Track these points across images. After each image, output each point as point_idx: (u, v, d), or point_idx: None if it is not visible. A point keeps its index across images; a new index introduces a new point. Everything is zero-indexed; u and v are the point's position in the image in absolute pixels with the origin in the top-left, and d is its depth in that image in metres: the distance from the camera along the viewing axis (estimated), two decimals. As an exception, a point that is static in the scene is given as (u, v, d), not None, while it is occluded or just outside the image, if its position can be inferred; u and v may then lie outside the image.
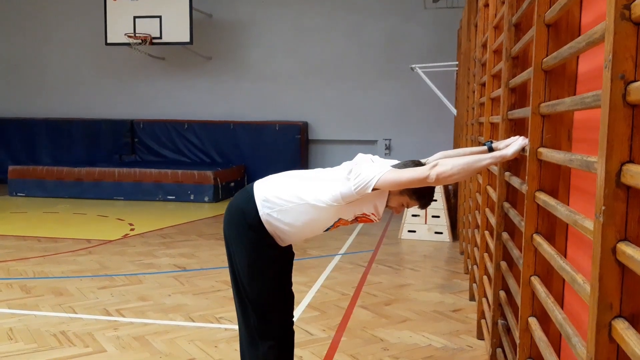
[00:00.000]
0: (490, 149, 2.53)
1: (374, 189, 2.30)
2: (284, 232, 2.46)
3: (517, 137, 2.40)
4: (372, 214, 2.48)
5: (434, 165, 2.25)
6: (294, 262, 2.71)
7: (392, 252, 6.51)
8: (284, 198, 2.43)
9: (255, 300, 2.51)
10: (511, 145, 2.33)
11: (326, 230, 2.54)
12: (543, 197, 1.85)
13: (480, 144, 3.63)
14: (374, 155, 2.58)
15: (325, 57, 11.71)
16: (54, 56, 12.77)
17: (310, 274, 5.43)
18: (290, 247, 2.63)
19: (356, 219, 2.51)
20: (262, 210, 2.44)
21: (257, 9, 11.89)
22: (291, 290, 2.67)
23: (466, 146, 5.40)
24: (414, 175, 2.28)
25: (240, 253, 2.50)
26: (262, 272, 2.50)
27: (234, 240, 2.53)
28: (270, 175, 2.58)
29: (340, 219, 2.47)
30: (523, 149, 2.27)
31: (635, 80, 1.07)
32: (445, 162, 2.27)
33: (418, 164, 2.44)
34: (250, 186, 2.55)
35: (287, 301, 2.63)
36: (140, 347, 3.66)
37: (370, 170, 2.31)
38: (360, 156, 2.51)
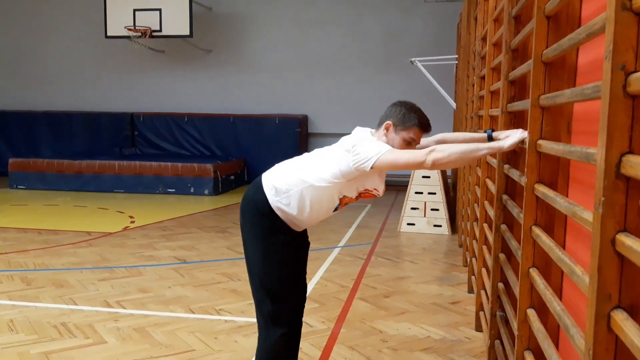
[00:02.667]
0: (490, 138, 2.53)
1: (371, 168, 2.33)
2: (295, 217, 2.49)
3: (517, 129, 2.40)
4: (375, 189, 2.52)
5: (431, 151, 2.26)
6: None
7: (391, 245, 6.52)
8: (288, 184, 2.46)
9: (269, 287, 2.52)
10: (509, 137, 2.34)
11: (335, 210, 2.56)
12: (542, 189, 1.85)
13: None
14: (372, 128, 2.61)
15: (325, 51, 11.69)
16: (54, 49, 12.74)
17: (309, 266, 5.34)
18: (305, 235, 2.65)
19: (360, 195, 2.54)
20: (272, 199, 2.47)
21: (256, 2, 11.85)
22: (304, 280, 2.69)
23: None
24: (411, 158, 2.30)
25: (254, 241, 2.53)
26: (276, 259, 2.51)
27: (248, 230, 2.57)
28: (276, 165, 2.62)
29: (344, 196, 2.50)
30: (522, 142, 2.27)
31: (635, 71, 1.07)
32: (442, 149, 2.29)
33: (410, 107, 2.47)
34: (260, 177, 2.60)
35: (300, 289, 2.65)
36: (141, 338, 3.67)
37: (369, 149, 2.33)
38: (358, 130, 2.54)
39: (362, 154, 2.33)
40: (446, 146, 2.35)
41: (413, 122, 2.47)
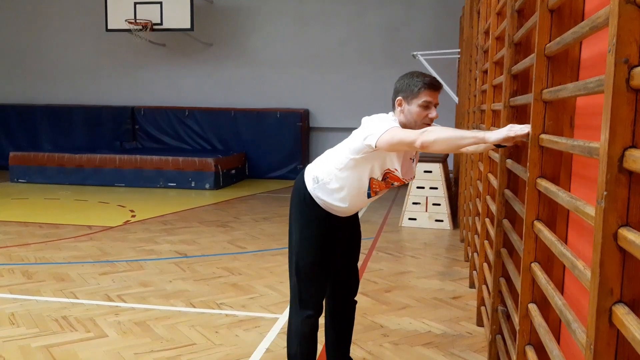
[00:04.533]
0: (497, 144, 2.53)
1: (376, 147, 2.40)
2: (333, 204, 2.62)
3: (511, 124, 2.36)
4: (395, 169, 2.54)
5: (423, 132, 2.30)
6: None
7: (392, 240, 6.52)
8: (323, 172, 2.62)
9: (300, 269, 2.65)
10: (496, 131, 2.24)
11: (369, 196, 2.62)
12: (544, 184, 1.84)
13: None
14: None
15: (326, 44, 11.66)
16: (55, 42, 12.72)
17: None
18: (351, 223, 2.79)
19: (387, 176, 2.57)
20: (310, 187, 2.64)
21: (258, -5, 11.83)
22: (344, 265, 2.83)
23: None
24: (404, 136, 2.35)
25: (295, 225, 2.70)
26: (310, 244, 2.63)
27: (292, 215, 2.73)
28: (320, 155, 2.77)
29: (371, 178, 2.56)
30: (526, 136, 2.24)
31: (639, 65, 1.06)
32: (432, 130, 2.32)
33: (411, 74, 2.53)
34: (303, 169, 2.76)
35: (328, 274, 2.73)
36: (142, 332, 3.67)
37: (376, 127, 2.40)
38: (376, 116, 2.60)
39: (368, 129, 2.42)
40: (437, 129, 2.35)
41: (419, 85, 2.47)
